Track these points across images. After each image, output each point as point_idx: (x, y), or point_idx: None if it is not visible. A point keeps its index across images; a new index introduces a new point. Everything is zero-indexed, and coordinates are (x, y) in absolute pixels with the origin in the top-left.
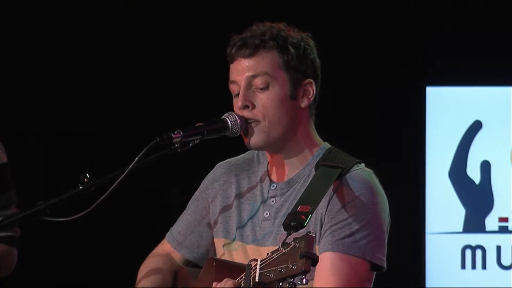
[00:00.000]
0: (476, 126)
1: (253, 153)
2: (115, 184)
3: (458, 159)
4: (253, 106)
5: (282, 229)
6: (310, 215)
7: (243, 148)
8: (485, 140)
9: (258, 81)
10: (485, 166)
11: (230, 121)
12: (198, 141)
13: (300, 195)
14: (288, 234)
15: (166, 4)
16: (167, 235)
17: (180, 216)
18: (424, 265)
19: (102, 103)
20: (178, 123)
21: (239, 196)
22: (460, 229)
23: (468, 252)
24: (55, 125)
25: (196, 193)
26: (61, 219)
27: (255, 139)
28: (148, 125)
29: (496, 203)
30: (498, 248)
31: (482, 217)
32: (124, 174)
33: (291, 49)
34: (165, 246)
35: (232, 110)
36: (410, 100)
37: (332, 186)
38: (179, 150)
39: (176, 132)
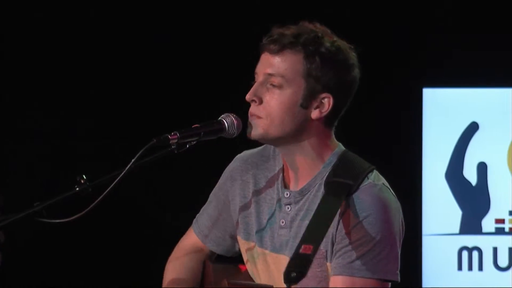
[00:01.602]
0: (472, 128)
1: (269, 149)
2: (111, 185)
3: (455, 161)
4: (260, 102)
5: (297, 240)
6: (312, 259)
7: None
8: (482, 141)
9: (274, 80)
10: (482, 168)
11: (226, 123)
12: (194, 142)
13: (312, 218)
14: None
15: (163, 5)
16: (194, 225)
17: (205, 206)
18: (421, 267)
19: (99, 104)
20: (174, 124)
21: (257, 196)
22: (457, 230)
23: (465, 254)
24: (52, 127)
25: (216, 187)
26: (57, 221)
27: (253, 133)
28: (145, 126)
29: (493, 205)
30: (495, 250)
31: (479, 219)
32: (121, 175)
33: (318, 59)
34: (192, 237)
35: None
36: (406, 101)
37: (343, 205)
38: (175, 152)
39: (172, 133)
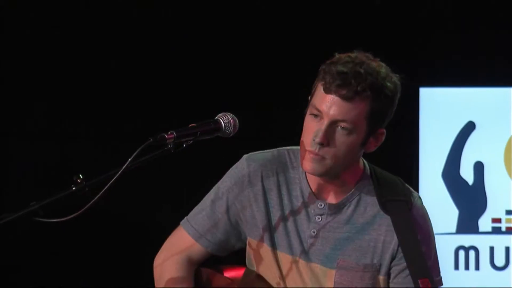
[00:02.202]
0: (469, 127)
1: (283, 153)
2: (108, 184)
3: (452, 160)
4: (327, 144)
5: (338, 252)
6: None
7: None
8: (479, 141)
9: (343, 124)
10: (479, 167)
11: (223, 122)
12: (191, 141)
13: (403, 249)
14: None
15: (161, 6)
16: (186, 226)
17: (201, 207)
18: None
19: (95, 104)
20: (171, 124)
21: (280, 204)
22: (454, 230)
23: (461, 253)
24: (49, 126)
25: (223, 188)
26: (54, 220)
27: (312, 168)
28: (141, 126)
29: (489, 204)
30: (491, 249)
31: (476, 218)
32: (118, 175)
33: (383, 100)
34: (183, 239)
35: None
36: (403, 100)
37: (400, 222)
38: (172, 151)
39: (169, 132)
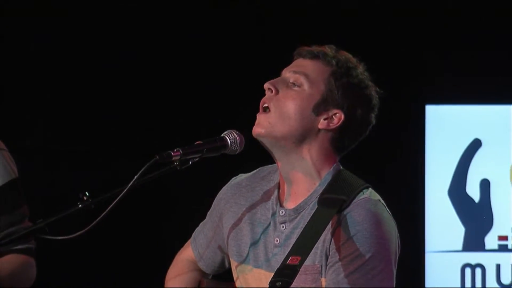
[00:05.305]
0: (475, 145)
1: (263, 169)
2: (114, 202)
3: (458, 178)
4: (276, 92)
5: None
6: (298, 269)
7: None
8: (485, 158)
9: (296, 77)
10: (485, 185)
11: (229, 139)
12: (197, 159)
13: (302, 231)
14: None
15: (166, 17)
16: (192, 243)
17: (202, 225)
18: (424, 284)
19: (103, 120)
20: (177, 141)
21: (251, 217)
22: (460, 247)
23: (468, 271)
24: (55, 141)
25: (211, 208)
26: (60, 238)
27: (258, 128)
28: (147, 142)
29: (496, 222)
30: (498, 267)
31: (482, 236)
32: (123, 192)
33: (345, 80)
34: (189, 253)
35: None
36: (409, 118)
37: (335, 219)
38: (178, 168)
39: (175, 150)
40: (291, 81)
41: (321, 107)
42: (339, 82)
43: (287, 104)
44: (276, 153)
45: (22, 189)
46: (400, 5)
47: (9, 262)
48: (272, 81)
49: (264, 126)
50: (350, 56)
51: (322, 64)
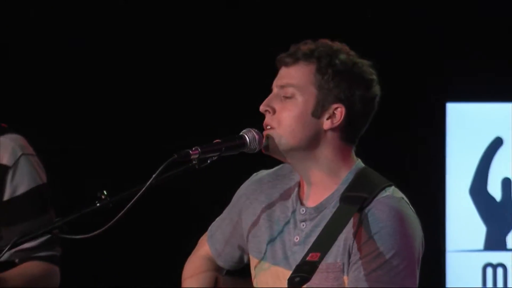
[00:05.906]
0: (497, 143)
1: (286, 168)
2: (132, 201)
3: (479, 176)
4: (273, 112)
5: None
6: (317, 265)
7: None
8: (506, 156)
9: (286, 90)
10: (506, 183)
11: (248, 138)
12: (216, 157)
13: (322, 228)
14: None
15: (178, 19)
16: (208, 238)
17: (219, 222)
18: (445, 283)
19: (120, 119)
20: (195, 139)
21: (271, 215)
22: (481, 247)
23: (489, 270)
24: (73, 140)
25: (230, 204)
26: (78, 237)
27: (265, 146)
28: (165, 141)
29: None
30: None
31: (504, 235)
32: (142, 191)
33: (330, 70)
34: (206, 249)
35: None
36: (430, 116)
37: (357, 216)
38: (197, 167)
39: (194, 148)
40: (282, 95)
41: (319, 108)
42: (326, 76)
43: (286, 117)
44: (291, 163)
45: (49, 194)
46: (422, 3)
47: (29, 269)
48: (266, 102)
49: (270, 143)
50: (330, 42)
51: (305, 64)
